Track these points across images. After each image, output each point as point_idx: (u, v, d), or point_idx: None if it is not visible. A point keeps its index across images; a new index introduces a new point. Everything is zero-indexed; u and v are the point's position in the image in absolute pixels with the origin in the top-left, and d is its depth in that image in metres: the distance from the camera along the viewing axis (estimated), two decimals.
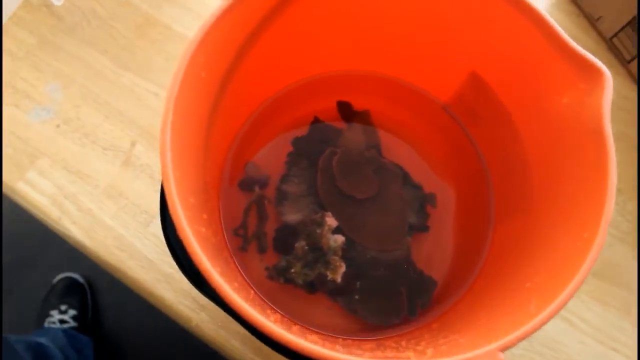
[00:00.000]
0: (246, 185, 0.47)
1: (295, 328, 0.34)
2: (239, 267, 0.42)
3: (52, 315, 1.07)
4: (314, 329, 0.42)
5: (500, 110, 0.41)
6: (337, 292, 0.45)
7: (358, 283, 0.45)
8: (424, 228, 0.47)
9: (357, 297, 0.45)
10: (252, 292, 0.40)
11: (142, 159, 0.53)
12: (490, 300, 0.37)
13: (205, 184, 0.36)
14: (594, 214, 0.28)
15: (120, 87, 0.56)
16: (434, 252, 0.47)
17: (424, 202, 0.48)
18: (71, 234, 0.52)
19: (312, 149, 0.48)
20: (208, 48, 0.31)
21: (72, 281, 1.14)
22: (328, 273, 0.44)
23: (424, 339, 0.36)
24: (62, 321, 1.06)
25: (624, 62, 0.60)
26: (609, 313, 0.50)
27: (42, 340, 0.90)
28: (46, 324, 1.06)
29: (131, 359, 1.15)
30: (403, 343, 0.39)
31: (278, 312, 0.41)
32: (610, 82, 0.31)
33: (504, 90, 0.40)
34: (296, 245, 0.45)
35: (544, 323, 0.27)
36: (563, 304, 0.27)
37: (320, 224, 0.45)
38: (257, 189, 0.47)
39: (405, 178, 0.48)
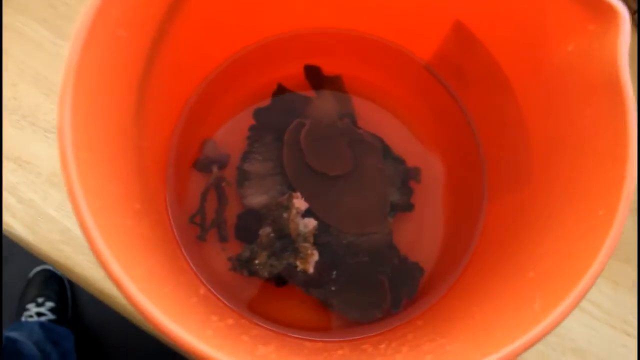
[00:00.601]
0: (202, 166, 0.41)
1: (247, 336, 0.28)
2: (190, 262, 0.37)
3: (28, 309, 1.02)
4: (279, 330, 0.36)
5: (490, 66, 0.35)
6: (310, 284, 0.39)
7: (334, 273, 0.40)
8: (407, 207, 0.41)
9: (333, 288, 0.40)
10: (203, 289, 0.34)
11: None
12: (485, 293, 0.31)
13: (140, 168, 0.30)
14: (611, 187, 0.23)
15: (62, 61, 0.50)
16: (419, 235, 0.41)
17: (407, 177, 0.42)
18: (13, 230, 0.46)
19: (277, 121, 0.42)
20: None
21: (49, 274, 1.08)
22: (298, 263, 0.38)
23: (407, 340, 0.31)
24: (39, 314, 1.01)
25: (631, 13, 0.53)
26: (620, 293, 0.45)
27: (15, 335, 0.85)
28: (23, 319, 1.01)
29: (114, 351, 1.10)
30: (382, 347, 0.34)
31: (235, 311, 0.36)
32: (627, 22, 0.25)
33: (494, 41, 0.34)
34: (260, 232, 0.39)
35: (553, 327, 0.21)
36: (577, 302, 0.21)
37: (287, 207, 0.39)
38: (215, 169, 0.41)
39: (385, 151, 0.42)
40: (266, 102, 0.42)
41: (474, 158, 0.40)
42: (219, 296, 0.36)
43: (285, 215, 0.39)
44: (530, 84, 0.33)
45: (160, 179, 0.37)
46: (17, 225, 0.46)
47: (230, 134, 0.42)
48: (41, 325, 0.96)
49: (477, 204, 0.39)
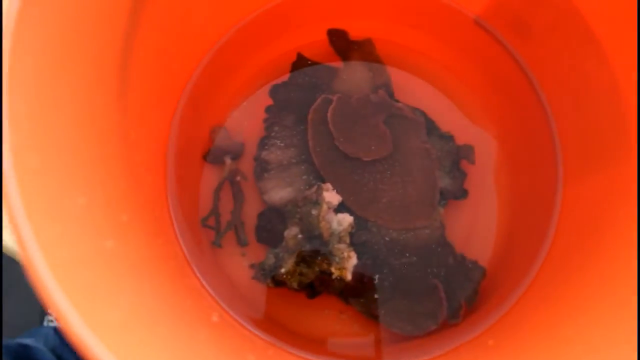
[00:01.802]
0: (213, 158, 0.35)
1: None
2: (200, 278, 0.30)
3: (50, 314, 0.98)
4: (310, 356, 0.30)
5: (565, 11, 0.27)
6: (348, 293, 0.33)
7: (376, 278, 0.33)
8: (461, 194, 0.34)
9: (376, 296, 0.33)
10: (217, 314, 0.28)
11: None
12: (575, 301, 0.24)
13: (128, 167, 0.23)
14: None
15: None
16: (476, 228, 0.34)
17: (457, 157, 0.35)
18: None
19: (299, 98, 0.35)
20: None
21: None
22: (333, 269, 0.32)
23: None
24: None
25: None
26: None
27: (29, 341, 0.81)
28: (45, 323, 0.98)
29: None
30: None
31: (260, 338, 0.29)
32: None
33: None
34: (285, 234, 0.33)
35: None
36: None
37: (317, 202, 0.32)
38: (228, 161, 0.35)
39: (430, 127, 0.35)
40: (284, 77, 0.35)
41: (541, 131, 0.32)
42: (237, 318, 0.30)
43: (314, 212, 0.32)
44: (624, 35, 0.25)
45: (159, 177, 0.30)
46: None
47: (244, 118, 0.35)
48: (57, 330, 0.92)
49: (549, 189, 0.31)
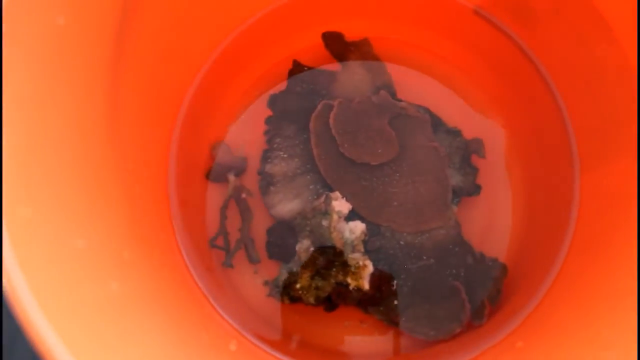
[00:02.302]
0: (216, 175, 0.34)
1: None
2: (216, 306, 0.29)
3: None
4: None
5: None
6: (367, 302, 0.32)
7: (394, 283, 0.32)
8: (474, 190, 0.33)
9: (395, 303, 0.32)
10: (235, 341, 0.27)
11: None
12: (607, 290, 0.23)
13: (129, 198, 0.22)
14: None
15: None
16: (492, 224, 0.33)
17: (467, 152, 0.34)
18: None
19: (298, 106, 0.34)
20: None
21: None
22: (349, 280, 0.31)
23: None
24: None
25: None
26: None
27: None
28: None
29: None
30: None
31: (280, 359, 0.29)
32: None
33: None
34: (297, 247, 0.32)
35: None
36: None
37: (326, 212, 0.31)
38: (231, 178, 0.34)
39: (436, 123, 0.34)
40: (281, 86, 0.34)
41: (554, 121, 0.31)
42: (257, 343, 0.29)
43: (324, 223, 0.31)
44: (632, 15, 0.24)
45: (161, 204, 0.29)
46: None
47: (244, 131, 0.34)
48: None
49: (565, 179, 0.30)
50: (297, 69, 0.34)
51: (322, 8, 0.34)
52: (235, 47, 0.32)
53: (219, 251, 0.33)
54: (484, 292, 0.31)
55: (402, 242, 0.33)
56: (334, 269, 0.31)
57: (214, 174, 0.34)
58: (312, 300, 0.31)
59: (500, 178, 0.33)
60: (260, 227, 0.33)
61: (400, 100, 0.33)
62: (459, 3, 0.32)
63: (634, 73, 0.23)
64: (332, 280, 0.31)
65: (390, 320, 0.32)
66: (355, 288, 0.31)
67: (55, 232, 0.16)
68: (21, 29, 0.16)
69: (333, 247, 0.31)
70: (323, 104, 0.33)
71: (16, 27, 0.16)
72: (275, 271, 0.33)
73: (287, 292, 0.31)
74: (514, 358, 0.25)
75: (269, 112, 0.34)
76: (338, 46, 0.34)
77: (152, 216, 0.27)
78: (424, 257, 0.32)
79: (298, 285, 0.31)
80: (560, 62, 0.29)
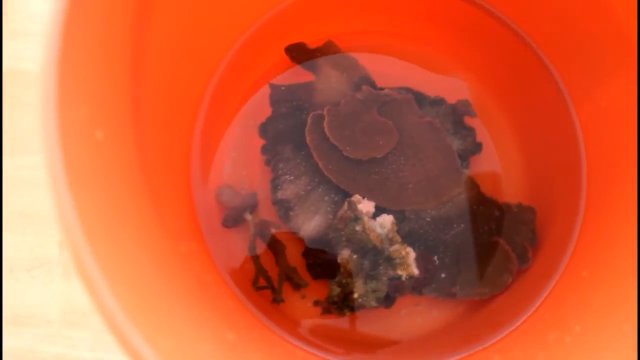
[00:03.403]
0: (232, 221, 0.33)
1: None
2: (285, 337, 0.29)
3: None
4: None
5: None
6: (420, 286, 0.33)
7: (435, 259, 0.33)
8: (476, 148, 0.35)
9: (443, 276, 0.33)
10: None
11: None
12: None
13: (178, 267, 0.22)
14: None
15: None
16: (506, 174, 0.34)
17: (457, 116, 0.35)
18: None
19: (288, 127, 0.34)
20: None
21: None
22: (399, 272, 0.31)
23: (591, 301, 0.24)
24: None
25: None
26: None
27: None
28: None
29: None
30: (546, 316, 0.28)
31: None
32: None
33: None
34: (339, 260, 0.32)
35: None
36: None
37: (356, 217, 0.31)
38: (248, 217, 0.33)
39: (419, 98, 0.35)
40: (265, 110, 0.34)
41: (529, 58, 0.32)
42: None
43: (358, 228, 0.31)
44: None
45: (204, 259, 0.29)
46: None
47: (240, 167, 0.34)
48: None
49: (559, 110, 0.32)
50: (275, 91, 0.34)
51: (280, 25, 0.33)
52: (205, 85, 0.32)
53: (263, 291, 0.32)
54: (521, 237, 0.33)
55: (428, 219, 0.34)
56: (382, 267, 0.32)
57: (229, 219, 0.33)
58: (373, 303, 0.31)
59: (497, 128, 0.35)
60: (295, 253, 0.33)
61: (382, 89, 0.34)
62: None
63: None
64: (385, 278, 0.31)
65: (445, 294, 0.33)
66: (407, 276, 0.32)
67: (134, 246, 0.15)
68: None
69: (373, 247, 0.31)
70: (312, 117, 0.33)
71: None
72: (319, 291, 0.33)
73: (345, 304, 0.32)
74: (581, 287, 0.27)
75: (256, 142, 0.34)
76: (304, 56, 0.34)
77: (206, 282, 0.26)
78: (454, 225, 0.33)
79: (356, 295, 0.31)
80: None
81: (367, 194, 0.33)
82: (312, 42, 0.34)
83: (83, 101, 0.16)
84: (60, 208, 0.14)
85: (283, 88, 0.33)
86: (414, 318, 0.34)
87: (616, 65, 0.26)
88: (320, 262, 0.33)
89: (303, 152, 0.33)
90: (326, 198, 0.34)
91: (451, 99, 0.35)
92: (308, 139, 0.33)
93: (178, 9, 0.23)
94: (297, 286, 0.33)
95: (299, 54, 0.34)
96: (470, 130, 0.34)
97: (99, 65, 0.17)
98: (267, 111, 0.33)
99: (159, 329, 0.14)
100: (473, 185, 0.34)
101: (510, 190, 0.34)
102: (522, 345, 0.28)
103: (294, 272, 0.33)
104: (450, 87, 0.35)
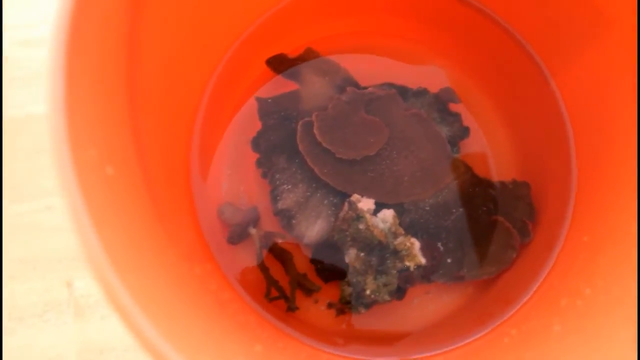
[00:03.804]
0: (237, 237, 0.34)
1: None
2: (305, 341, 0.30)
3: None
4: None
5: None
6: (428, 274, 0.33)
7: (439, 245, 0.34)
8: (464, 133, 0.35)
9: (449, 260, 0.34)
10: None
11: (91, 293, 0.38)
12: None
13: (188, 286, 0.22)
14: None
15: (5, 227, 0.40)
16: (496, 153, 0.35)
17: (441, 104, 0.36)
18: None
19: (279, 137, 0.34)
20: None
21: None
22: (407, 263, 0.32)
23: (598, 267, 0.25)
24: None
25: None
26: None
27: None
28: None
29: None
30: (555, 283, 0.29)
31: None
32: None
33: None
34: (347, 260, 0.32)
35: None
36: None
37: (358, 216, 0.32)
38: (252, 231, 0.34)
39: (402, 91, 0.35)
40: (254, 123, 0.34)
41: (505, 40, 0.33)
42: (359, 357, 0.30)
43: (362, 226, 0.32)
44: None
45: (219, 278, 0.29)
46: None
47: (237, 183, 0.34)
48: None
49: (539, 86, 0.33)
50: (263, 104, 0.34)
51: (258, 41, 0.34)
52: (206, 122, 0.32)
53: (277, 302, 0.33)
54: (519, 212, 0.34)
55: (427, 208, 0.34)
56: (389, 261, 0.32)
57: (234, 236, 0.34)
58: (386, 297, 0.32)
59: (481, 111, 0.35)
60: (303, 260, 0.34)
61: (366, 88, 0.35)
62: None
63: None
64: (394, 271, 0.32)
65: (453, 278, 0.34)
66: (415, 266, 0.32)
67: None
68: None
69: (378, 243, 0.32)
70: (302, 124, 0.33)
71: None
72: (331, 293, 0.33)
73: (360, 302, 0.32)
74: (583, 252, 0.28)
75: (250, 156, 0.34)
76: (286, 66, 0.35)
77: (222, 297, 0.27)
78: (453, 210, 0.34)
79: (368, 292, 0.32)
80: None
81: (365, 192, 0.33)
82: (292, 51, 0.35)
83: (91, 141, 0.16)
84: (87, 248, 0.14)
85: (269, 100, 0.34)
86: (427, 305, 0.34)
87: (590, 37, 0.27)
88: (329, 265, 0.33)
89: (297, 160, 0.34)
90: (326, 202, 0.34)
91: (434, 88, 0.36)
92: (300, 147, 0.33)
93: (164, 40, 0.24)
94: (309, 291, 0.33)
95: (280, 64, 0.35)
96: (457, 116, 0.35)
97: (100, 106, 0.17)
98: (257, 125, 0.34)
99: (199, 351, 0.15)
100: (466, 169, 0.34)
101: (503, 169, 0.35)
102: (536, 315, 0.28)
103: (304, 279, 0.33)
104: (431, 76, 0.36)
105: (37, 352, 0.38)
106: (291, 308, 0.33)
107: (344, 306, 0.33)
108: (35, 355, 0.37)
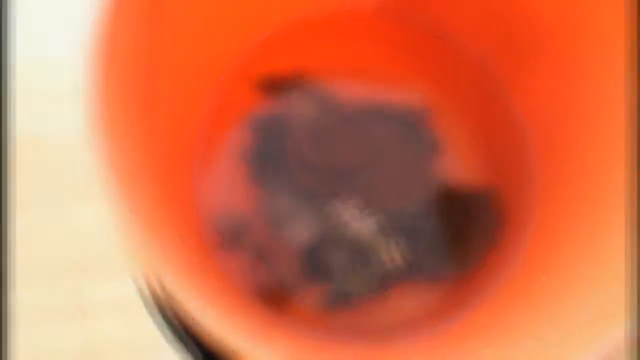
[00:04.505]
0: (227, 242, 0.36)
1: None
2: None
3: None
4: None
5: None
6: (407, 272, 0.37)
7: (416, 247, 0.37)
8: (435, 147, 0.39)
9: (426, 260, 0.37)
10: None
11: (96, 296, 0.39)
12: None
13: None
14: None
15: None
16: (465, 164, 0.39)
17: (417, 121, 0.40)
18: None
19: (271, 153, 0.38)
20: None
21: None
22: (386, 263, 0.36)
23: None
24: None
25: None
26: None
27: None
28: None
29: None
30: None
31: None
32: None
33: None
34: (334, 262, 0.36)
35: None
36: None
37: (339, 222, 0.36)
38: (245, 240, 0.37)
39: (381, 109, 0.39)
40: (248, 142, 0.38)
41: (466, 59, 0.38)
42: None
43: (344, 231, 0.36)
44: None
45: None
46: None
47: (221, 195, 0.37)
48: None
49: (498, 101, 0.37)
50: (253, 122, 0.38)
51: (251, 62, 0.37)
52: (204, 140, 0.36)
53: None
54: (487, 214, 0.37)
55: (405, 214, 0.38)
56: (371, 262, 0.36)
57: (226, 244, 0.36)
58: (370, 294, 0.35)
59: (451, 128, 0.39)
60: (293, 264, 0.36)
61: (348, 106, 0.38)
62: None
63: None
64: (375, 271, 0.35)
65: (435, 276, 0.37)
66: (394, 265, 0.36)
67: None
68: None
69: (359, 244, 0.35)
70: (291, 138, 0.37)
71: None
72: (317, 290, 0.36)
73: (346, 300, 0.35)
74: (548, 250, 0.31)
75: (241, 169, 0.37)
76: (275, 88, 0.38)
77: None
78: (429, 215, 0.38)
79: (352, 290, 0.35)
80: None
81: (349, 199, 0.37)
82: (281, 73, 0.38)
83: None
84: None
85: (260, 119, 0.38)
86: (406, 303, 0.37)
87: (537, 50, 0.32)
88: (318, 267, 0.36)
89: (287, 173, 0.37)
90: (314, 210, 0.38)
91: (409, 107, 0.39)
92: (290, 160, 0.37)
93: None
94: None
95: (271, 86, 0.38)
96: (429, 132, 0.39)
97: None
98: (249, 141, 0.37)
99: None
100: (438, 180, 0.38)
101: (472, 178, 0.38)
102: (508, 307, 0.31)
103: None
104: (406, 95, 0.40)
105: (42, 354, 0.39)
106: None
107: (329, 304, 0.36)
108: (40, 357, 0.39)
